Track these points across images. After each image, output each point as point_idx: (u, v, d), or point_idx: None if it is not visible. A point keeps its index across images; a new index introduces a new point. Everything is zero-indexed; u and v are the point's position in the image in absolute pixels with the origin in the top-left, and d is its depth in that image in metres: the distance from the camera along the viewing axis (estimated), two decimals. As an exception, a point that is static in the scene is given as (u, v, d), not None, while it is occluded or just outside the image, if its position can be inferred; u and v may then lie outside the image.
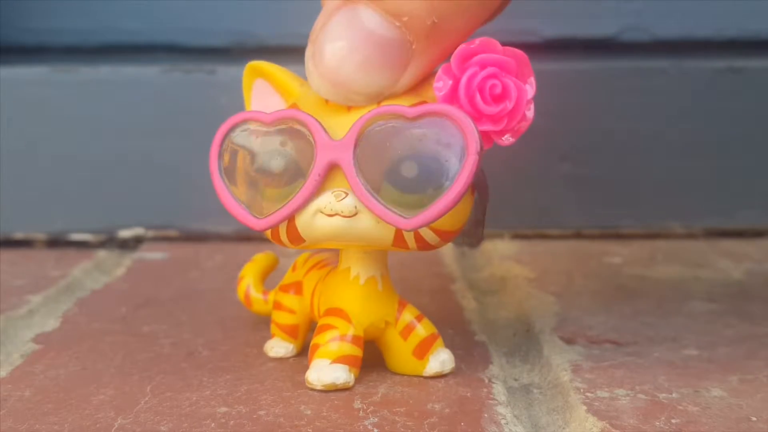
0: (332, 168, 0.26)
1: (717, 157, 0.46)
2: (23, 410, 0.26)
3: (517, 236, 0.47)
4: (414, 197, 0.25)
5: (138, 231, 0.47)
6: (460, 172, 0.25)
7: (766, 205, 0.47)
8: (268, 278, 0.34)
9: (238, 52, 0.49)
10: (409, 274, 0.40)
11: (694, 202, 0.47)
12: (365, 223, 0.26)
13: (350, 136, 0.26)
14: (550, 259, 0.43)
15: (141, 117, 0.46)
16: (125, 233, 0.47)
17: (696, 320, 0.34)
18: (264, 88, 0.29)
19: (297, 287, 0.31)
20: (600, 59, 0.47)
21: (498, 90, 0.26)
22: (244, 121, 0.27)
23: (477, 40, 0.26)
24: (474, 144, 0.25)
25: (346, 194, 0.26)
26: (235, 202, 0.27)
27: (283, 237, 0.27)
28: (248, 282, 0.34)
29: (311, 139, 0.26)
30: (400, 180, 0.25)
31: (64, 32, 0.49)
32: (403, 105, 0.26)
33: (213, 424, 0.25)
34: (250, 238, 0.46)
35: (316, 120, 0.26)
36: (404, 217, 0.25)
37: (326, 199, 0.26)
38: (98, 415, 0.26)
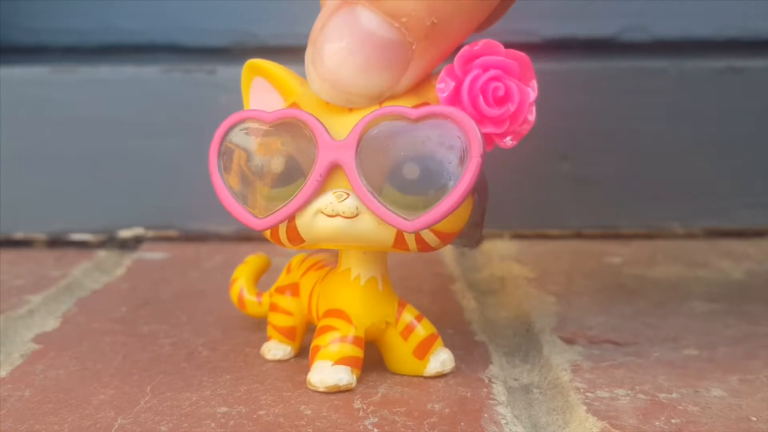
0: (334, 168, 0.26)
1: (717, 157, 0.46)
2: (23, 410, 0.26)
3: (517, 236, 0.47)
4: (415, 199, 0.25)
5: (138, 231, 0.47)
6: (464, 175, 0.25)
7: (766, 205, 0.47)
8: (261, 280, 0.34)
9: (238, 52, 0.49)
10: (409, 274, 0.40)
11: (694, 202, 0.47)
12: (366, 224, 0.26)
13: (352, 136, 0.25)
14: (550, 259, 0.43)
15: (141, 117, 0.46)
16: (125, 233, 0.47)
17: (696, 320, 0.34)
18: (263, 86, 0.28)
19: (293, 289, 0.31)
20: (600, 59, 0.47)
21: (501, 92, 0.26)
22: (244, 120, 0.27)
23: (480, 42, 0.26)
24: (477, 147, 0.25)
25: (348, 195, 0.26)
26: (235, 202, 0.27)
27: (283, 237, 0.27)
28: (241, 284, 0.33)
29: (313, 139, 0.26)
30: (402, 181, 0.25)
31: (64, 32, 0.49)
32: (406, 106, 0.26)
33: (213, 424, 0.25)
34: (250, 238, 0.46)
35: (318, 120, 0.26)
36: (406, 219, 0.25)
37: (327, 200, 0.26)
38: (98, 415, 0.26)
